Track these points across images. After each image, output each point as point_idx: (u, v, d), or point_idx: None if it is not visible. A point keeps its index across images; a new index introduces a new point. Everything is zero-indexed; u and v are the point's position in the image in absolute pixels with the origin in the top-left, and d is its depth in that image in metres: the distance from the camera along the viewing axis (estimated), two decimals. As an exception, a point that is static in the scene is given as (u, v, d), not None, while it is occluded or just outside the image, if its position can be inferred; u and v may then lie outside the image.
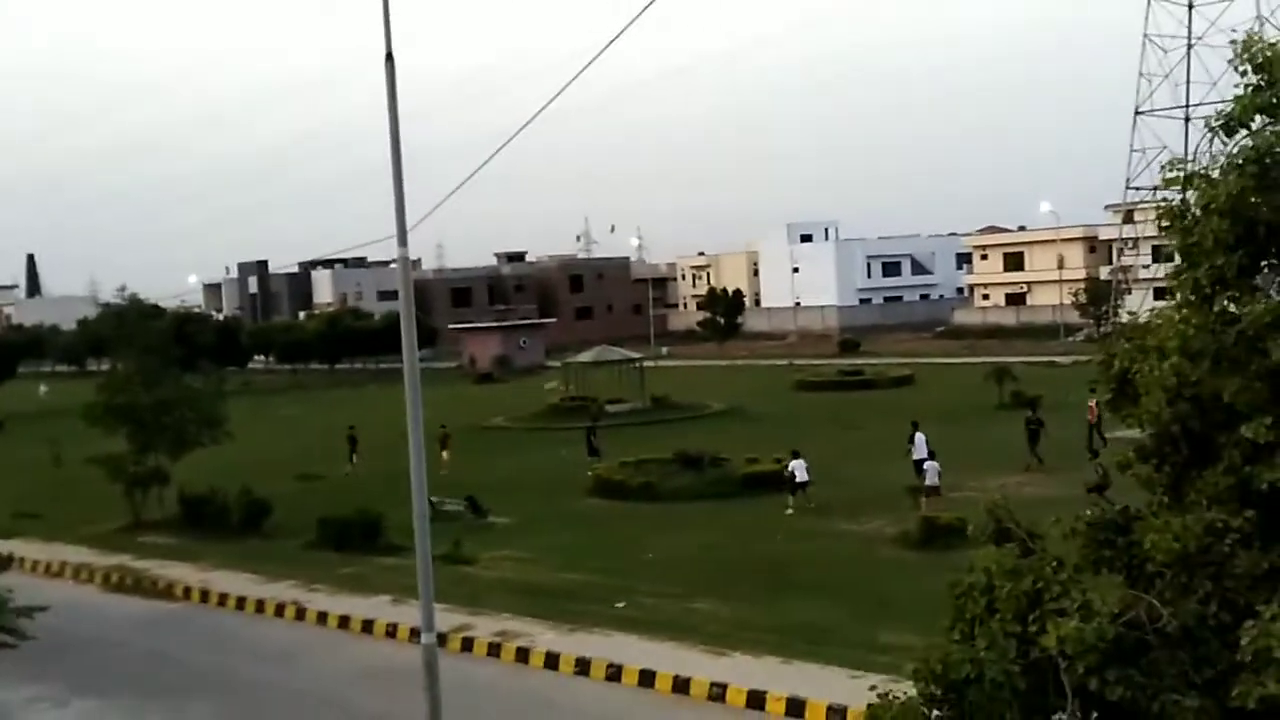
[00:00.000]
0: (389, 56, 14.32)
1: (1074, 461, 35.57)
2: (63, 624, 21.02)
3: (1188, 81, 79.90)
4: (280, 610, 27.13)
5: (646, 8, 12.79)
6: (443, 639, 19.52)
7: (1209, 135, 8.87)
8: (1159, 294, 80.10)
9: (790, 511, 33.29)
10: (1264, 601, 7.91)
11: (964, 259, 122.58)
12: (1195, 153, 9.11)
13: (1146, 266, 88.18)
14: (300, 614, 26.73)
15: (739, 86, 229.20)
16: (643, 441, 45.35)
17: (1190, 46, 79.92)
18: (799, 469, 33.92)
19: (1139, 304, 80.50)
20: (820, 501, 33.60)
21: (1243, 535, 8.22)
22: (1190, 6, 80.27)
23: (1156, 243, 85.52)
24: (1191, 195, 8.63)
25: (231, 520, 35.13)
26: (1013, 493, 30.43)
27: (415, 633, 20.28)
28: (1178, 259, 8.72)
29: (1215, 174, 8.50)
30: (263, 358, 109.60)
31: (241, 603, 28.01)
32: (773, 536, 30.61)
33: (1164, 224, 8.91)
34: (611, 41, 13.46)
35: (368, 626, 25.41)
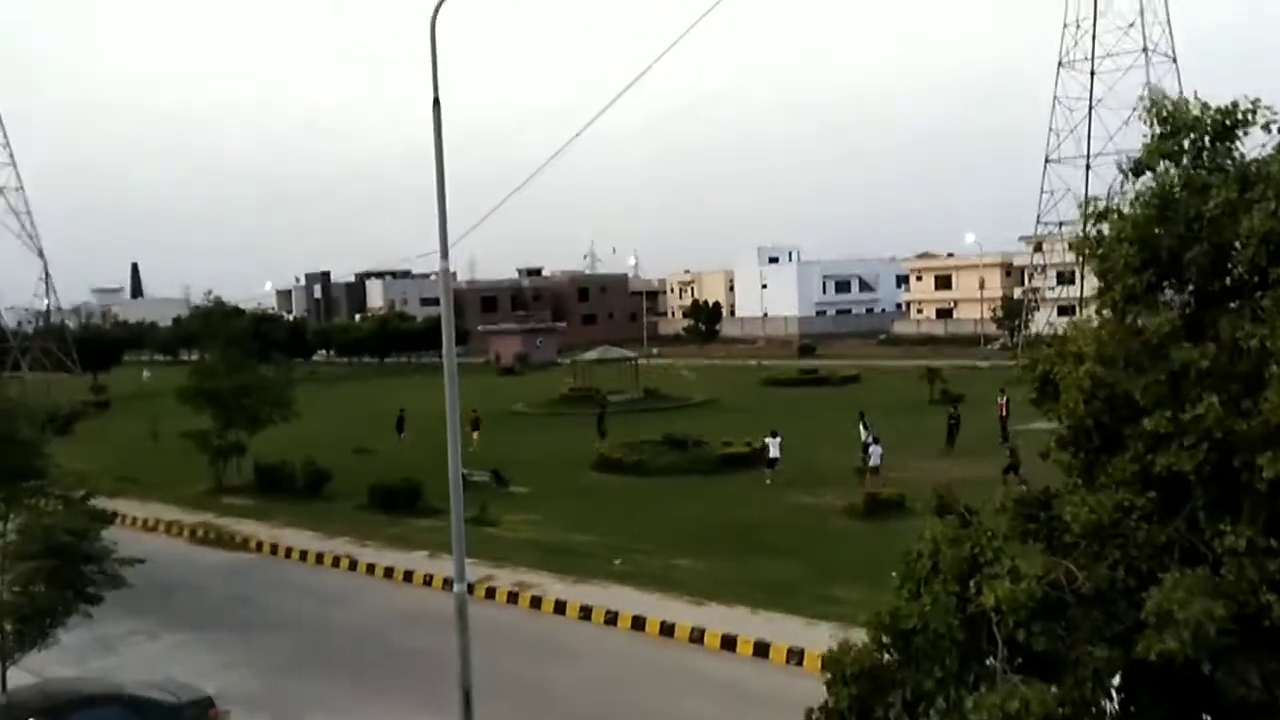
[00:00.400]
0: (436, 101, 14.10)
1: (989, 447, 35.46)
2: (156, 571, 20.70)
3: (1089, 135, 79.85)
4: (336, 562, 26.90)
5: (661, 56, 12.58)
6: (471, 588, 19.28)
7: (1119, 177, 8.70)
8: (1062, 311, 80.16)
9: (769, 482, 33.15)
10: (1164, 569, 7.76)
11: (902, 279, 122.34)
12: (1109, 193, 8.90)
13: (1052, 288, 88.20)
14: (353, 565, 26.49)
15: (726, 127, 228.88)
16: (637, 426, 45.14)
17: (1091, 107, 79.85)
18: (773, 446, 33.86)
19: (1045, 319, 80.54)
20: (784, 478, 33.46)
21: (1145, 512, 8.06)
22: (1092, 74, 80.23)
23: (1060, 268, 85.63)
24: (1106, 227, 8.45)
25: (297, 485, 34.93)
26: (941, 473, 30.39)
27: (448, 582, 20.10)
28: (1094, 280, 8.55)
29: (1126, 209, 8.34)
30: (325, 352, 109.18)
31: (304, 555, 27.78)
32: (744, 506, 30.43)
33: (1083, 251, 8.73)
34: (629, 86, 13.25)
35: (408, 576, 25.18)
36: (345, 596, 24.22)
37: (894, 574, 8.74)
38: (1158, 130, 8.24)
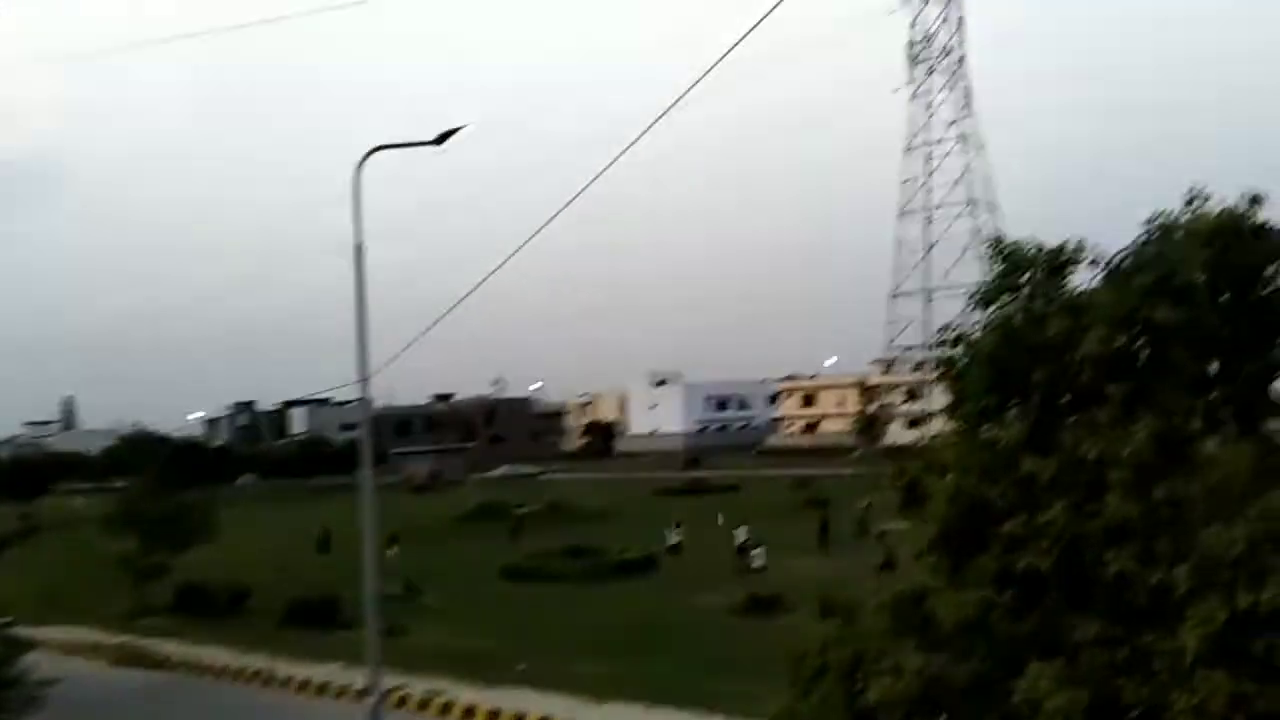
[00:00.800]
0: (358, 247, 13.81)
1: (855, 545, 35.55)
2: (74, 692, 19.02)
3: (928, 272, 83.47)
4: (254, 677, 25.14)
5: (594, 180, 12.53)
6: (384, 697, 18.16)
7: (966, 308, 8.85)
8: (912, 424, 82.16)
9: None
10: (1026, 660, 7.60)
11: (773, 398, 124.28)
12: (954, 323, 9.04)
13: (901, 404, 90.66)
14: (270, 680, 24.79)
15: (622, 265, 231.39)
16: (542, 536, 44.06)
17: (930, 249, 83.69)
18: (673, 535, 33.94)
19: (897, 432, 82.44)
20: (673, 579, 32.89)
21: (1007, 608, 7.94)
22: (930, 221, 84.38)
23: (907, 387, 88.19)
24: (959, 352, 8.55)
25: (218, 604, 32.85)
26: (814, 570, 30.25)
27: (361, 693, 18.86)
28: (950, 399, 8.60)
29: (975, 337, 8.45)
30: (250, 475, 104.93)
31: (223, 671, 25.91)
32: (638, 608, 29.67)
33: (940, 373, 8.80)
34: (536, 232, 13.16)
35: (323, 689, 23.64)
36: (260, 711, 22.58)
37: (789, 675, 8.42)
38: (1000, 268, 8.44)
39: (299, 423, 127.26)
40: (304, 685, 23.98)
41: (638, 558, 36.40)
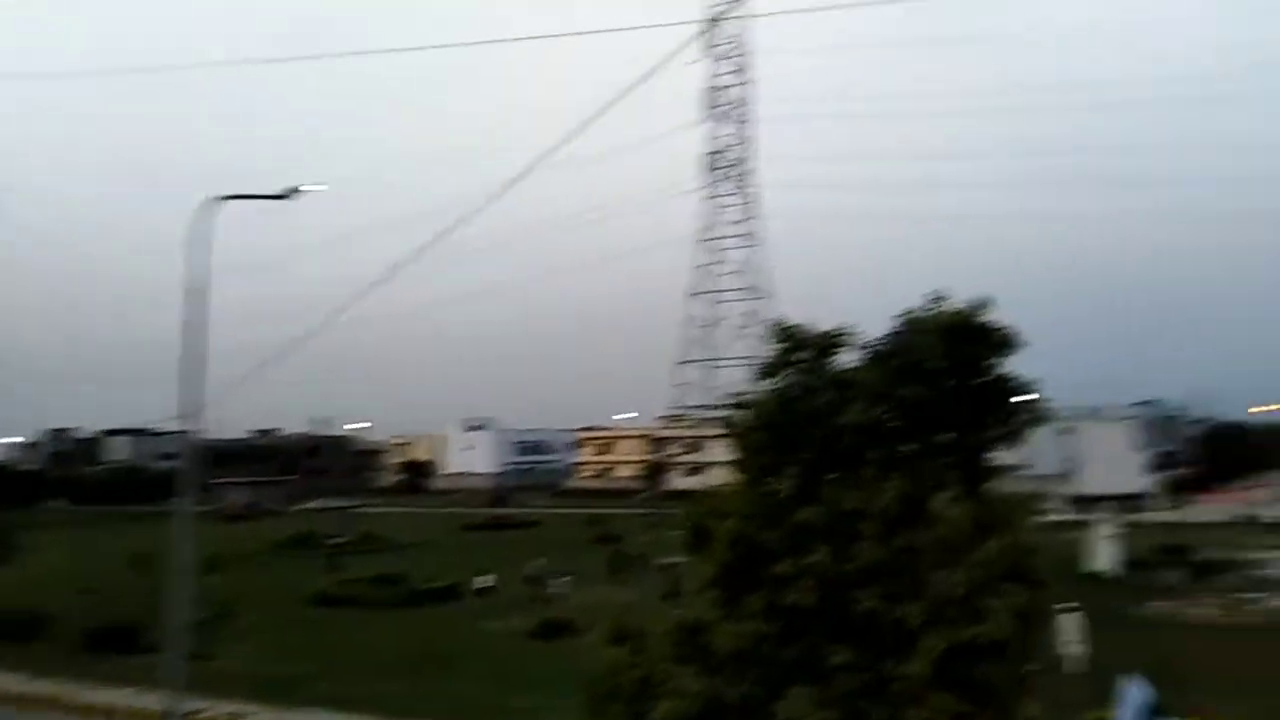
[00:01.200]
0: (192, 291, 12.74)
1: (640, 576, 35.64)
2: None
3: (711, 345, 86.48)
4: (53, 702, 22.17)
5: (419, 251, 12.01)
6: (186, 722, 16.44)
7: (753, 378, 9.09)
8: (691, 471, 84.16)
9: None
10: (790, 684, 7.71)
11: (573, 445, 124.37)
12: (745, 391, 9.26)
13: (682, 454, 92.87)
14: (68, 706, 21.92)
15: (450, 319, 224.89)
16: (353, 565, 41.69)
17: (713, 325, 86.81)
18: (483, 581, 32.97)
19: (679, 478, 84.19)
20: (474, 606, 31.89)
21: (775, 639, 8.06)
22: (716, 302, 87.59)
23: (688, 440, 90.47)
24: (744, 415, 8.74)
25: (18, 628, 28.88)
26: (605, 598, 30.08)
27: (161, 717, 16.99)
28: (735, 454, 8.76)
29: (758, 402, 8.67)
30: (62, 500, 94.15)
31: (20, 698, 22.71)
32: (442, 633, 28.45)
33: (727, 432, 8.96)
34: (381, 280, 12.54)
35: (110, 713, 21.13)
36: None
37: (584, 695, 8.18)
38: (781, 345, 8.73)
39: (121, 451, 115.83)
40: (89, 710, 21.33)
41: (442, 587, 35.11)
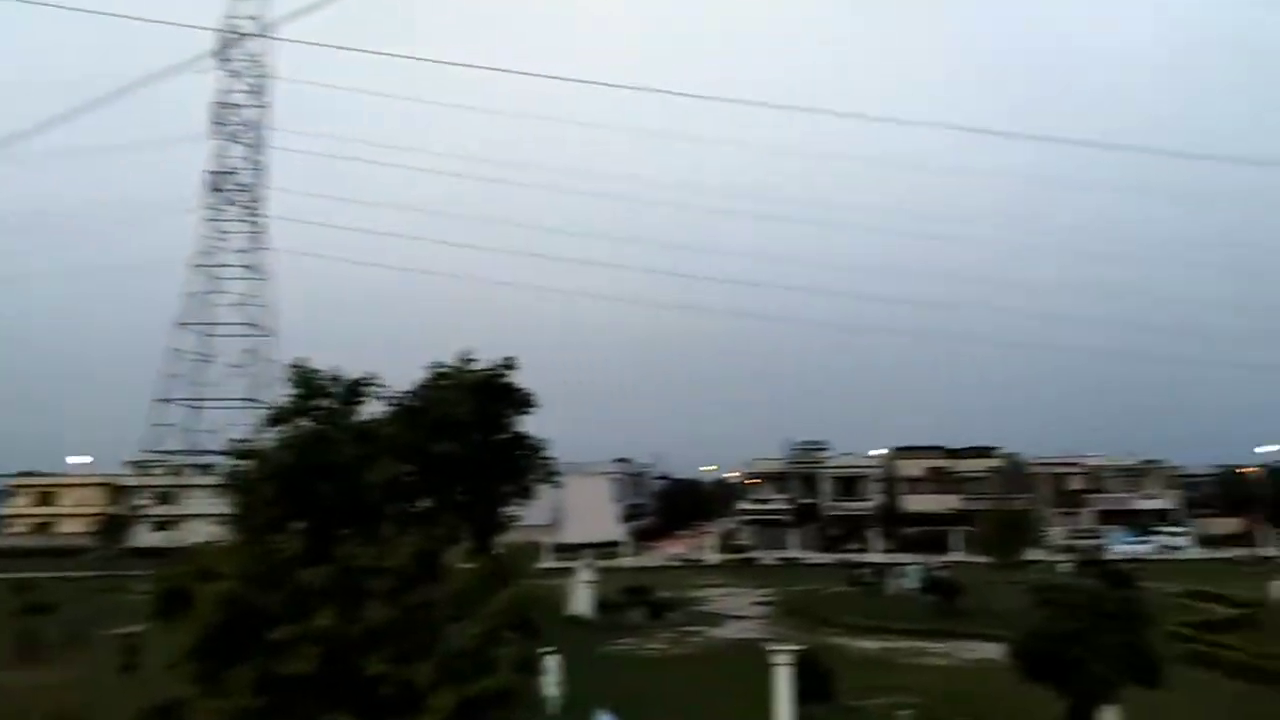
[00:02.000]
0: None
1: (77, 651, 29.88)
2: None
3: (203, 380, 77.85)
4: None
5: None
6: None
7: (262, 424, 8.29)
8: (160, 526, 74.05)
9: None
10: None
11: (3, 496, 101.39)
12: (251, 438, 8.38)
13: (150, 506, 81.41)
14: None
15: None
16: None
17: (204, 361, 78.39)
18: None
19: (145, 533, 73.34)
20: None
21: (264, 713, 7.28)
22: (209, 335, 79.39)
23: (159, 489, 79.69)
24: (249, 465, 7.88)
25: None
26: (28, 680, 24.49)
27: None
28: (236, 508, 7.82)
29: (267, 451, 7.90)
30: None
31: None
32: None
33: (227, 484, 7.98)
34: None
35: None
36: None
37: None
38: (297, 390, 8.09)
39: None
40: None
41: None
